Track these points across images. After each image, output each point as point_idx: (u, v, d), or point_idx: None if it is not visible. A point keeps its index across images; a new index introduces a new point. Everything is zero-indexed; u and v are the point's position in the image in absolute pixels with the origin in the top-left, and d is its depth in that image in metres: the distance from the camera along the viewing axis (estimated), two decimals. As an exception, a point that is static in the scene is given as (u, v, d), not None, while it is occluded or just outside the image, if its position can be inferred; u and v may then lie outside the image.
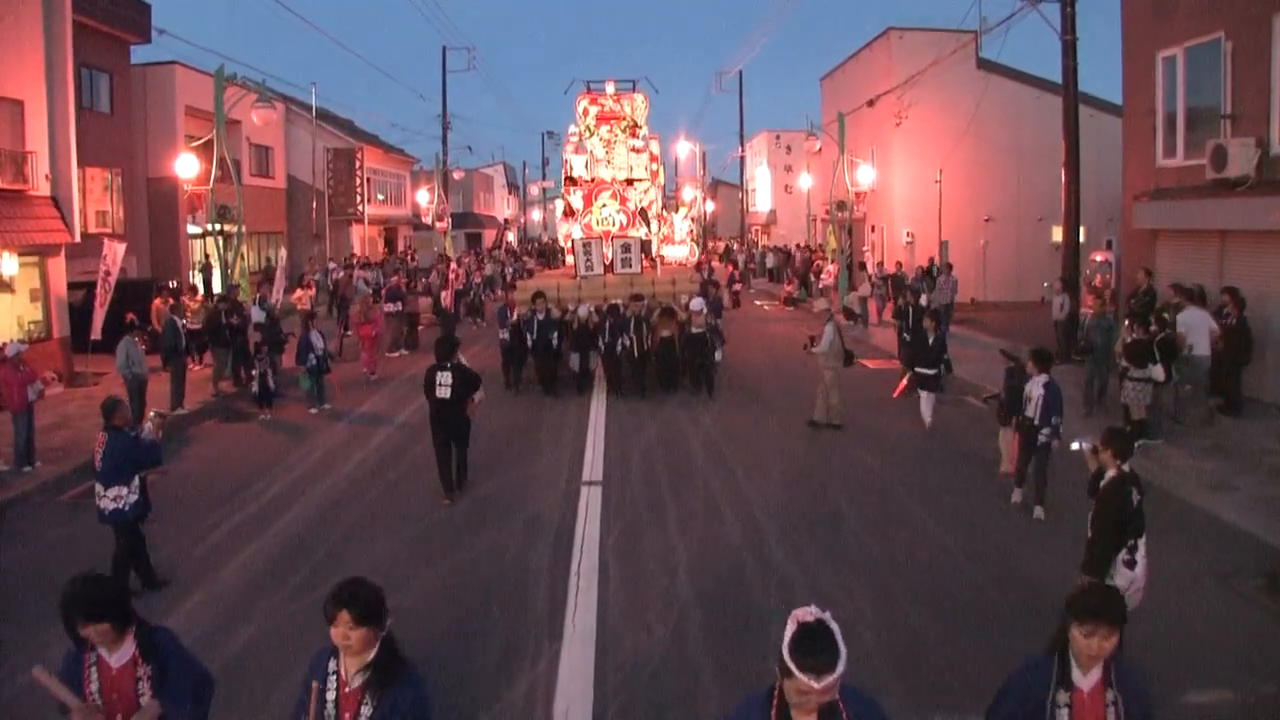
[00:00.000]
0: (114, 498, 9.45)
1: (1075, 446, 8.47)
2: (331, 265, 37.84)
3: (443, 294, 27.36)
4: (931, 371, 16.35)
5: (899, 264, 31.85)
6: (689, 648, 8.15)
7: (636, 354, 19.15)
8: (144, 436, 9.78)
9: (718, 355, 19.81)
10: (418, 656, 8.06)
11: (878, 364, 23.22)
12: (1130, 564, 7.12)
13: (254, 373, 18.50)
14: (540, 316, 19.37)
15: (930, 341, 16.61)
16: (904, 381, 18.47)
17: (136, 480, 9.57)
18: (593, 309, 19.72)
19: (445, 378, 12.10)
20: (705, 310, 19.48)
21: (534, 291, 20.17)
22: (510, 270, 38.01)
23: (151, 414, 10.57)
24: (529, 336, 19.49)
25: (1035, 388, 11.43)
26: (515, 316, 20.21)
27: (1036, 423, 11.30)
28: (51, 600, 9.34)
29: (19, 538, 11.71)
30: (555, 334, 19.45)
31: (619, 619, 8.74)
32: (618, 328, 19.10)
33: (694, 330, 19.21)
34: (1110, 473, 7.36)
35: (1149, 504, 11.57)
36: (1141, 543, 7.20)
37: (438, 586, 9.70)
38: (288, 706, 4.67)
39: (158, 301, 22.48)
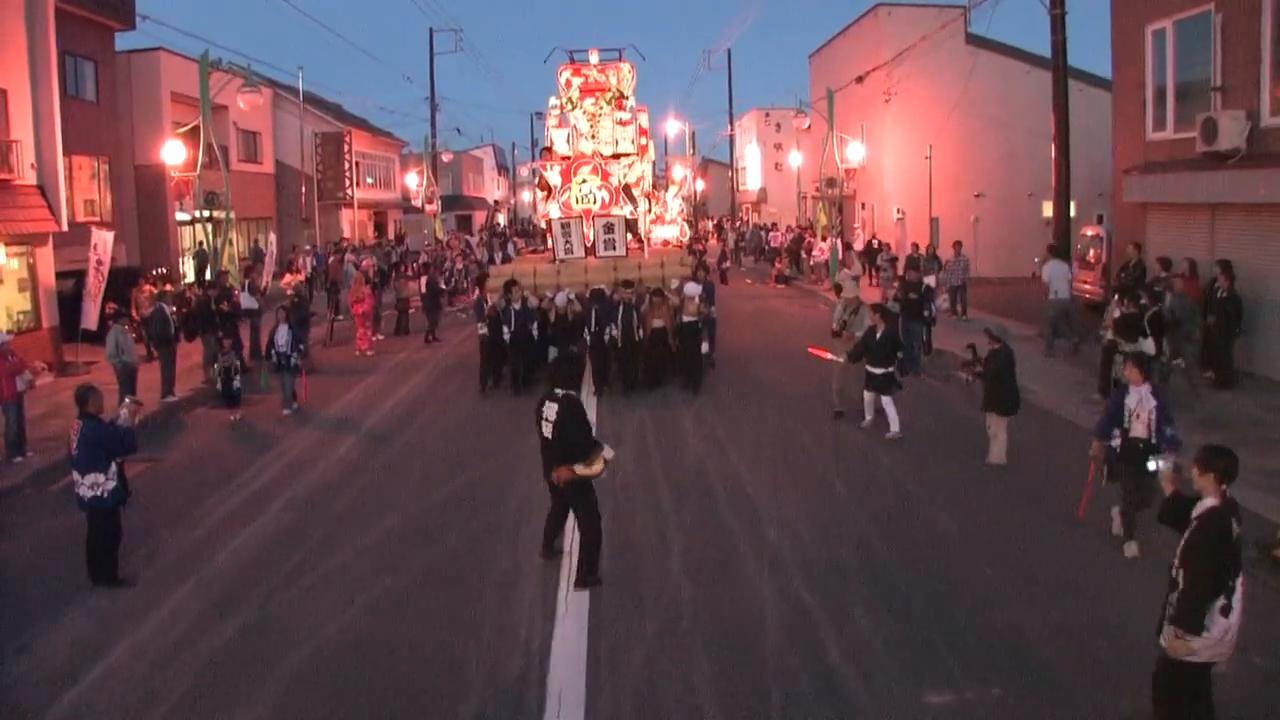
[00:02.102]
0: (91, 485, 9.44)
1: (1153, 466, 7.28)
2: (308, 248, 37.23)
3: (421, 279, 26.84)
4: (880, 371, 14.20)
5: (915, 245, 30.12)
6: (682, 628, 8.16)
7: (622, 344, 17.46)
8: (119, 423, 9.75)
9: (704, 347, 18.01)
10: (411, 639, 8.11)
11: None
12: (1227, 610, 5.84)
13: (215, 367, 17.37)
14: (516, 307, 17.65)
15: (879, 335, 14.30)
16: (827, 354, 15.42)
17: (114, 467, 9.55)
18: (572, 296, 18.07)
19: (551, 411, 9.10)
20: (699, 297, 17.92)
21: (506, 280, 18.35)
22: (499, 255, 36.84)
23: (126, 400, 10.53)
24: (506, 330, 17.72)
25: (1145, 399, 9.49)
26: (490, 306, 18.43)
27: (1153, 441, 9.33)
28: (44, 591, 9.42)
29: (11, 529, 11.67)
30: (534, 325, 17.83)
31: (612, 599, 8.74)
32: (604, 315, 17.40)
33: (686, 319, 17.66)
34: (1208, 500, 6.07)
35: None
36: (1239, 583, 5.95)
37: (427, 571, 9.70)
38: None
39: (134, 290, 22.30)
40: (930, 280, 23.58)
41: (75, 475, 9.56)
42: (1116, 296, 15.37)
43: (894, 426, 14.07)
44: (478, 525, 10.88)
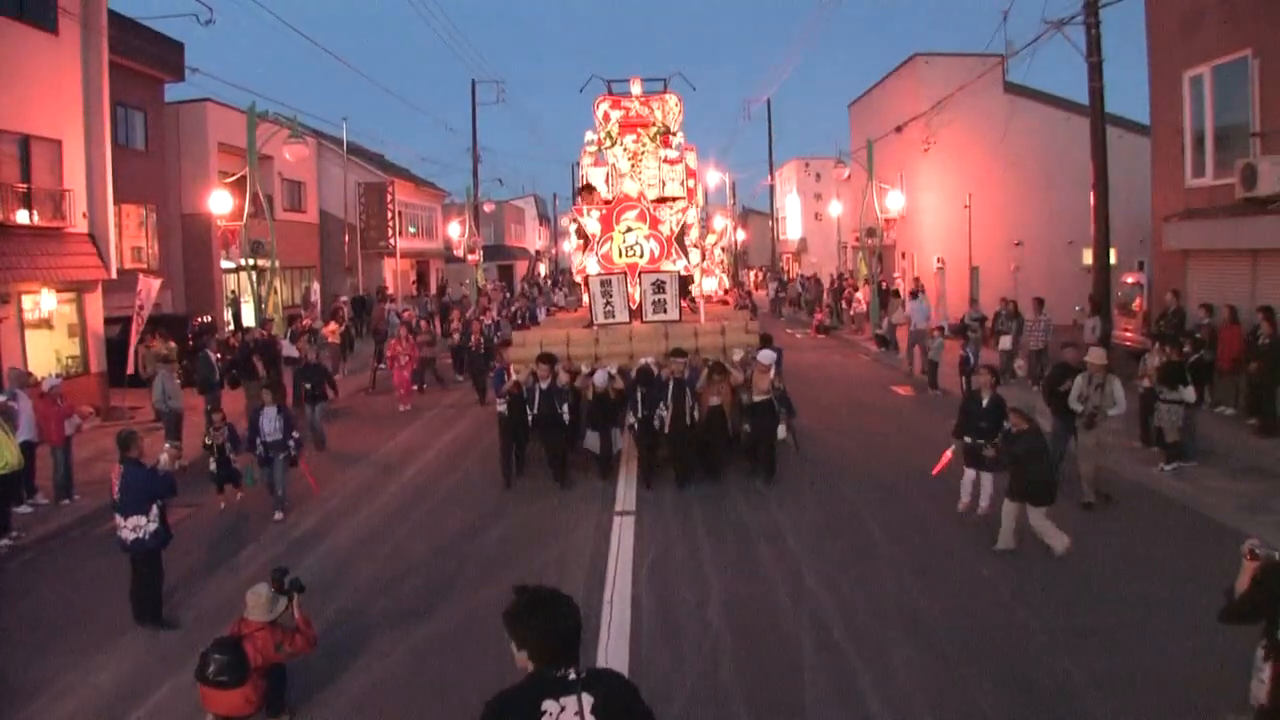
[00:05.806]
0: (133, 528, 9.61)
1: (1255, 548, 6.14)
2: (344, 299, 37.03)
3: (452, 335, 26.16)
4: (985, 443, 12.15)
5: (1006, 302, 24.88)
6: (721, 678, 8.13)
7: (670, 429, 14.39)
8: (159, 468, 9.93)
9: (781, 432, 14.87)
10: (456, 683, 8.12)
11: (907, 391, 23.10)
12: None
13: (207, 443, 14.36)
14: (544, 385, 14.67)
15: (985, 403, 12.36)
16: (948, 454, 13.07)
17: (155, 509, 9.70)
18: (613, 373, 14.83)
19: (572, 716, 3.82)
20: (773, 368, 14.74)
21: (540, 352, 15.11)
22: (541, 310, 32.78)
23: (167, 445, 10.76)
24: (529, 410, 14.74)
25: None
26: (512, 382, 15.14)
27: None
28: (90, 632, 9.53)
29: (59, 570, 11.87)
30: (564, 406, 14.70)
31: (650, 654, 8.69)
32: (653, 398, 14.40)
33: (757, 398, 14.39)
34: None
35: (1184, 526, 11.53)
36: None
37: (471, 615, 9.73)
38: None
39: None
40: (1006, 342, 23.11)
41: (118, 518, 9.73)
42: (1156, 344, 15.27)
43: (984, 502, 12.40)
44: (519, 572, 10.90)
